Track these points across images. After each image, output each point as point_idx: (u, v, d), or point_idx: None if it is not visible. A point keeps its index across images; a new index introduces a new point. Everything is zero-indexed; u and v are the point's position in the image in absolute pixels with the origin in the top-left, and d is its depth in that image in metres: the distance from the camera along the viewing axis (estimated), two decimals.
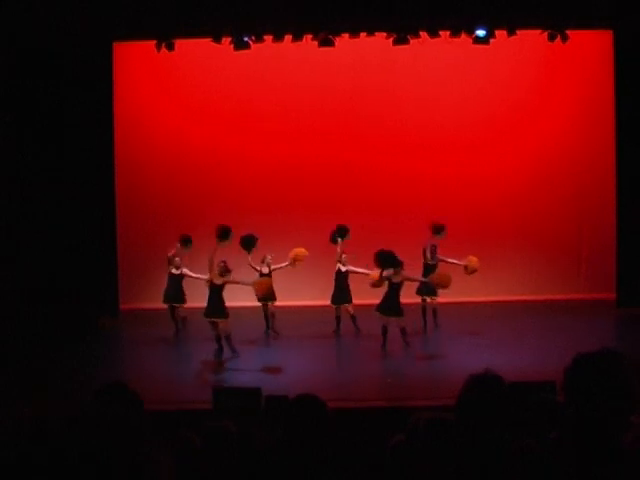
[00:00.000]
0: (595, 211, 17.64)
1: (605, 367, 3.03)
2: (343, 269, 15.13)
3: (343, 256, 15.11)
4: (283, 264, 15.22)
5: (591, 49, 17.36)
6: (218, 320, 13.60)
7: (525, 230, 17.74)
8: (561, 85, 17.73)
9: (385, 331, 13.85)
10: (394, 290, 13.93)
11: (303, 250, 15.31)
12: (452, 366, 12.19)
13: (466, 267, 15.44)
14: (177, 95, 17.71)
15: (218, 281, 13.66)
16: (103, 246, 16.45)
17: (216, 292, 13.67)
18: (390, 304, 13.85)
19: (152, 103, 17.71)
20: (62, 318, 15.20)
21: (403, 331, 13.84)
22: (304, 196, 17.71)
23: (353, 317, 15.07)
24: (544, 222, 17.74)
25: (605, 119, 17.03)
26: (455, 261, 15.39)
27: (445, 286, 14.76)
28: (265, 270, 15.12)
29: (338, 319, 15.17)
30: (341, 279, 15.14)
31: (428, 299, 15.37)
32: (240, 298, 15.48)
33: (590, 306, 16.64)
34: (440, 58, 17.05)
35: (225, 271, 13.68)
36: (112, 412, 3.45)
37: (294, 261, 15.23)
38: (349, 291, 15.10)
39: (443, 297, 16.00)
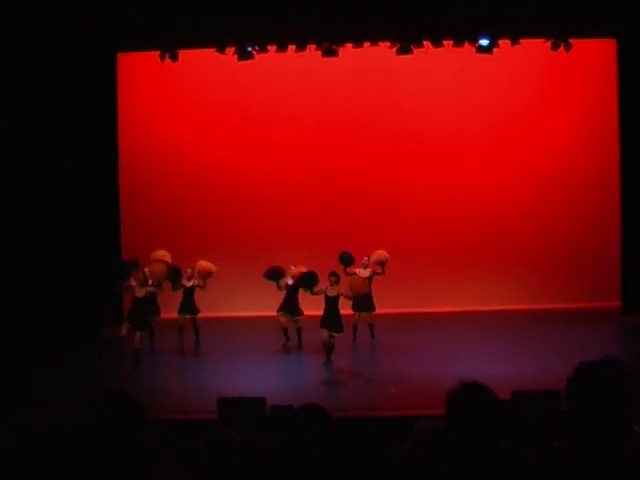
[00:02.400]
0: (599, 219, 17.63)
1: (608, 375, 3.03)
2: (290, 282, 14.72)
3: (292, 268, 14.75)
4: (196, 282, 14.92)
5: (595, 58, 17.37)
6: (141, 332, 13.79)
7: (528, 238, 17.72)
8: (564, 94, 17.74)
9: (331, 347, 13.61)
10: (330, 304, 13.68)
11: (208, 265, 14.88)
12: (456, 375, 12.14)
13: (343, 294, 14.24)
14: (181, 105, 17.75)
15: (140, 294, 13.79)
16: (107, 255, 16.46)
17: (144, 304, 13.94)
18: (329, 318, 13.62)
19: (156, 113, 17.74)
20: (66, 327, 15.22)
21: (330, 346, 13.57)
22: (307, 204, 17.72)
23: (286, 330, 14.84)
24: (547, 230, 17.72)
25: (608, 128, 17.03)
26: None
27: (359, 292, 14.12)
28: (189, 284, 14.89)
29: (286, 330, 14.90)
30: (290, 292, 14.75)
31: (363, 314, 14.92)
32: (246, 308, 15.50)
33: (594, 314, 16.60)
34: (443, 67, 17.08)
35: (145, 282, 13.81)
36: (113, 418, 3.46)
37: (201, 276, 14.80)
38: (297, 304, 14.75)
39: (446, 306, 15.97)
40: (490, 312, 16.97)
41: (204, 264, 14.85)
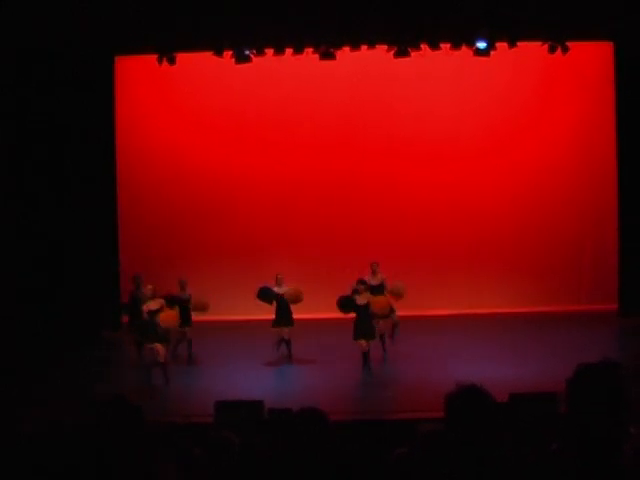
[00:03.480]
0: (596, 221, 17.63)
1: (606, 378, 3.04)
2: (280, 291, 14.25)
3: (278, 277, 14.30)
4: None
5: (592, 61, 17.38)
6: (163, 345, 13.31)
7: (526, 241, 17.73)
8: (562, 97, 17.75)
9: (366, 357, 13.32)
10: (361, 313, 13.36)
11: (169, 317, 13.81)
12: (454, 378, 12.11)
13: (391, 291, 14.21)
14: (179, 108, 17.75)
15: (154, 306, 13.30)
16: (105, 259, 16.46)
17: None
18: (362, 328, 13.33)
19: (153, 116, 17.74)
20: (65, 328, 15.21)
21: (366, 355, 13.33)
22: (304, 208, 17.72)
23: (287, 342, 14.26)
24: (545, 233, 17.72)
25: (606, 131, 17.04)
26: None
27: (399, 294, 13.92)
28: (184, 296, 14.34)
29: (279, 342, 14.30)
30: (278, 301, 14.29)
31: (381, 321, 14.25)
32: (243, 312, 15.49)
33: (592, 317, 16.59)
34: (441, 70, 17.08)
35: (155, 295, 13.38)
36: (111, 422, 3.46)
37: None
38: (289, 313, 14.27)
39: (444, 309, 15.96)
40: (488, 315, 16.97)
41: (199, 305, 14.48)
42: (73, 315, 15.60)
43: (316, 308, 15.58)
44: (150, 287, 13.43)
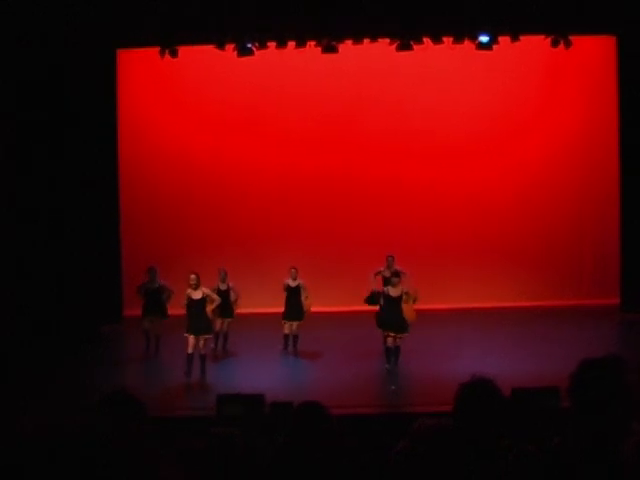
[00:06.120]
0: (598, 216, 17.62)
1: (610, 373, 3.04)
2: (293, 284, 14.24)
3: (292, 270, 14.21)
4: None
5: (594, 55, 17.35)
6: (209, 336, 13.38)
7: (528, 236, 17.71)
8: (564, 90, 17.72)
9: (388, 350, 13.08)
10: (394, 305, 13.07)
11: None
12: (456, 372, 12.13)
13: (407, 293, 13.31)
14: (181, 101, 17.71)
15: (196, 295, 13.24)
16: (107, 253, 16.45)
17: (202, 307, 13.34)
18: (392, 320, 13.09)
19: (156, 110, 17.70)
20: (65, 325, 15.20)
21: (396, 348, 13.09)
22: (309, 202, 17.70)
23: (295, 336, 14.19)
24: (547, 228, 17.71)
25: (608, 124, 17.01)
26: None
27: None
28: (223, 287, 14.31)
29: (287, 337, 14.31)
30: (291, 294, 14.28)
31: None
32: (247, 305, 15.52)
33: (594, 312, 16.59)
34: (443, 64, 17.03)
35: (199, 284, 13.24)
36: (115, 419, 3.45)
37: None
38: (300, 307, 14.24)
39: (446, 303, 15.95)
40: (489, 309, 16.97)
41: None
42: (74, 312, 15.57)
43: (321, 302, 15.58)
44: (193, 277, 13.18)
